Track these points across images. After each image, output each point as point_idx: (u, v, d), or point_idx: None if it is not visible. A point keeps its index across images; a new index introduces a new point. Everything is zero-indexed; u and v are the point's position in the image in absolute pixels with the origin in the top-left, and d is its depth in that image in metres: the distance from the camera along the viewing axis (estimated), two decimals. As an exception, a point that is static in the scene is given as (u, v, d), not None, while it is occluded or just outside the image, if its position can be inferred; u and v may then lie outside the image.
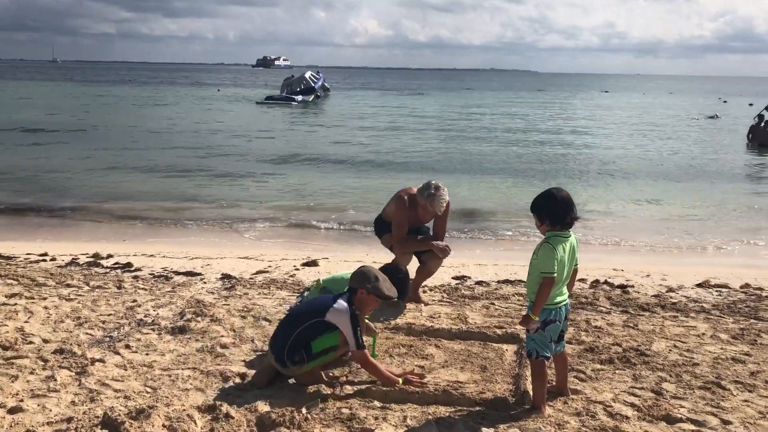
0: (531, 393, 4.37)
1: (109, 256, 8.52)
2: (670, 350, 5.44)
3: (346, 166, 19.62)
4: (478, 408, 4.31)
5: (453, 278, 7.74)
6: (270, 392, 4.48)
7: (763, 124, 25.87)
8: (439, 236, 6.56)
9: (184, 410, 4.07)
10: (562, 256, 4.09)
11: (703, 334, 5.88)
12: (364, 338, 4.95)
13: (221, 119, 35.15)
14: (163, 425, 3.86)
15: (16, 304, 6.17)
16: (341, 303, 4.53)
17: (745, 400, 4.53)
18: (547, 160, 21.77)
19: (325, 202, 14.14)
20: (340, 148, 24.03)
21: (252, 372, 4.76)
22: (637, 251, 10.98)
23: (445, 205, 6.27)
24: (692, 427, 4.14)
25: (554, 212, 4.14)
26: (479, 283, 7.58)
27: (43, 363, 4.82)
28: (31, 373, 4.65)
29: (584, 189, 16.51)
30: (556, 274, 4.04)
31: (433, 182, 6.25)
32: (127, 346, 5.21)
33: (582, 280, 7.63)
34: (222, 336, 5.48)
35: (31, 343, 5.22)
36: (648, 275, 8.25)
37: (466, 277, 7.85)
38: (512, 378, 4.81)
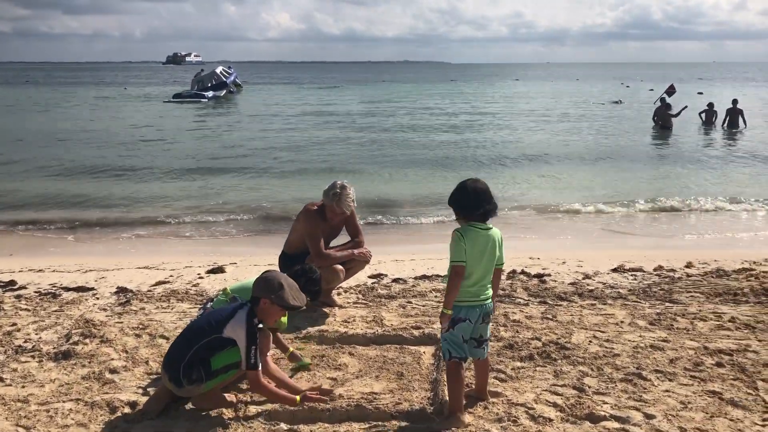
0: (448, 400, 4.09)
1: (-9, 273, 7.73)
2: (590, 341, 5.29)
3: (257, 163, 18.94)
4: (394, 422, 3.99)
5: (369, 277, 7.41)
6: (163, 422, 4.01)
7: (664, 108, 26.82)
8: (357, 238, 6.24)
9: (59, 454, 3.55)
10: (476, 248, 3.88)
11: (622, 321, 5.78)
12: (271, 353, 4.56)
13: (124, 120, 33.55)
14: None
15: None
16: (240, 315, 4.10)
17: (666, 390, 4.41)
18: (461, 149, 21.80)
19: (232, 203, 13.49)
20: (252, 144, 23.28)
21: (145, 399, 4.28)
22: (552, 237, 10.99)
23: (353, 203, 5.93)
24: (616, 425, 3.96)
25: (465, 204, 3.93)
26: (396, 280, 7.28)
27: None
28: None
29: (497, 176, 16.55)
30: (465, 263, 3.85)
31: (338, 182, 5.93)
32: (1, 379, 4.60)
33: (499, 272, 7.45)
34: (112, 359, 4.95)
35: None
36: (564, 262, 8.18)
37: (382, 275, 7.54)
38: (430, 384, 4.52)
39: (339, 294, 6.61)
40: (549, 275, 7.46)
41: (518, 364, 4.88)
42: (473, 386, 4.31)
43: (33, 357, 5.00)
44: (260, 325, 4.15)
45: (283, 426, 3.94)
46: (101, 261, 8.56)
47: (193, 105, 44.02)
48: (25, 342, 5.31)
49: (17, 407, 4.20)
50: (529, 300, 6.47)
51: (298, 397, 4.10)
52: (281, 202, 13.42)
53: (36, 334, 5.50)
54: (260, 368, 4.06)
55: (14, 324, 5.75)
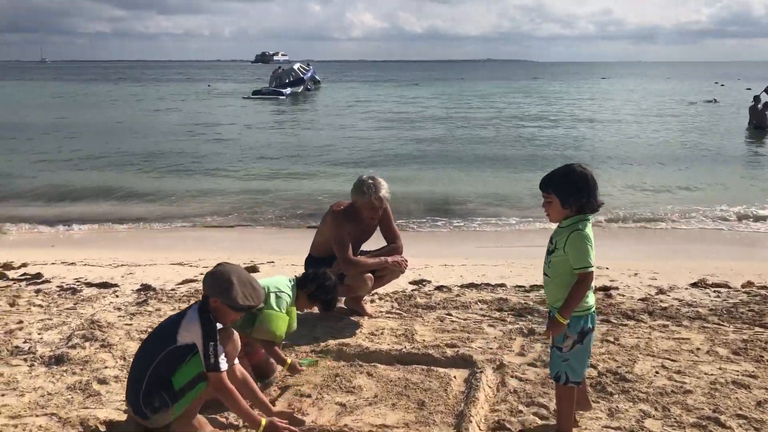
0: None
1: (23, 265, 7.48)
2: (657, 373, 4.42)
3: (323, 160, 18.50)
4: (401, 466, 3.29)
5: (410, 283, 6.71)
6: (134, 449, 3.46)
7: (760, 106, 24.79)
8: (394, 243, 5.56)
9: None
10: (594, 247, 3.28)
11: (698, 348, 4.85)
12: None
13: (200, 115, 34.02)
14: None
15: None
16: (191, 314, 3.47)
17: (750, 444, 3.51)
18: (539, 149, 20.67)
19: (289, 199, 13.04)
20: (320, 141, 22.92)
21: (125, 418, 3.74)
22: (626, 244, 9.94)
23: (386, 193, 5.26)
24: (681, 488, 3.12)
25: (586, 193, 3.24)
26: (440, 288, 6.54)
27: None
28: None
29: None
30: (593, 268, 3.24)
31: (364, 176, 5.28)
32: (-19, 386, 4.18)
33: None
34: (106, 367, 4.47)
35: None
36: (636, 273, 7.23)
37: (425, 281, 6.81)
38: (455, 418, 3.78)
39: (373, 301, 5.95)
40: (616, 288, 6.54)
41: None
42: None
43: (26, 360, 4.59)
44: (219, 325, 3.52)
45: (267, 463, 3.31)
46: (138, 255, 8.22)
47: (270, 102, 44.38)
48: (24, 343, 4.92)
49: (-14, 420, 3.74)
50: (589, 317, 5.59)
51: (263, 421, 3.46)
52: (337, 197, 12.84)
53: (38, 333, 5.11)
54: (223, 370, 3.42)
55: (20, 321, 5.38)
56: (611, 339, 5.04)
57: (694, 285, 6.68)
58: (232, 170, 16.72)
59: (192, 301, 5.79)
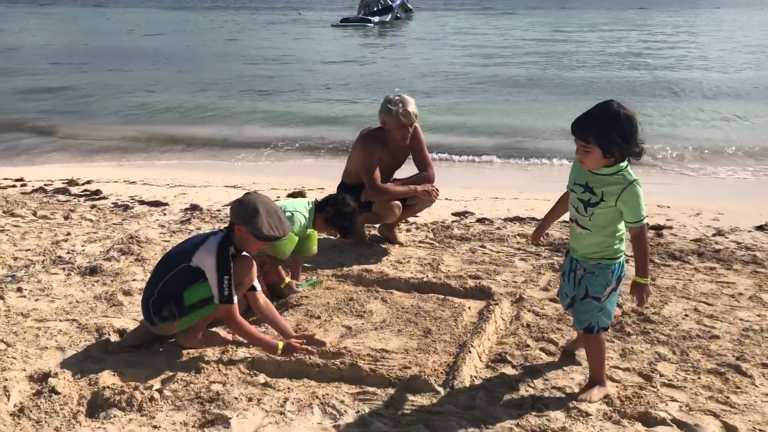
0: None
1: (88, 182, 7.84)
2: (686, 316, 4.17)
3: (406, 90, 18.07)
4: (390, 390, 3.28)
5: (452, 214, 6.58)
6: (138, 357, 3.61)
7: None
8: (425, 171, 5.42)
9: (5, 381, 3.25)
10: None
11: (740, 294, 4.54)
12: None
13: (287, 42, 34.08)
14: (-33, 400, 3.06)
15: (-65, 235, 5.56)
16: (211, 242, 3.53)
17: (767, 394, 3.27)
18: (637, 85, 19.34)
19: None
20: (405, 72, 22.44)
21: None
22: (697, 183, 9.32)
23: (414, 109, 5.10)
24: (675, 433, 2.96)
25: (632, 139, 2.91)
26: (481, 220, 6.39)
27: None
28: None
29: (661, 107, 14.41)
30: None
31: (391, 95, 5.11)
32: (19, 289, 4.45)
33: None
34: (134, 280, 4.65)
35: None
36: (698, 214, 6.78)
37: (468, 213, 6.66)
38: (457, 348, 3.72)
39: (408, 230, 5.89)
40: (671, 228, 6.17)
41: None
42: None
43: (64, 270, 4.83)
44: (244, 253, 3.57)
45: (261, 378, 3.38)
46: (197, 177, 8.44)
47: (357, 30, 43.90)
48: (67, 253, 5.18)
49: (15, 321, 4.00)
50: (631, 257, 5.30)
51: (280, 344, 3.51)
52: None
53: (82, 246, 5.36)
54: (235, 302, 3.49)
55: (68, 234, 5.67)
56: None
57: (760, 228, 6.21)
58: (307, 97, 16.75)
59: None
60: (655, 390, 3.31)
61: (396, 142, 5.17)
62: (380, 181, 5.11)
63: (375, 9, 50.85)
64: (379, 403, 3.17)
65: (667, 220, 6.51)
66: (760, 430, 2.99)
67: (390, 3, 51.91)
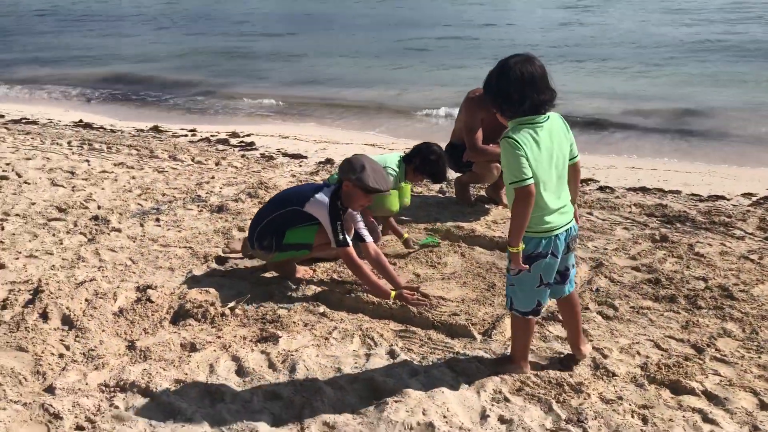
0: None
1: (247, 135, 8.72)
2: (780, 296, 3.89)
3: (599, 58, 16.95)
4: (431, 331, 3.52)
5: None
6: (227, 281, 4.16)
7: None
8: None
9: (117, 287, 3.94)
10: (541, 153, 2.74)
11: None
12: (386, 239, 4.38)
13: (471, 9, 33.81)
14: (86, 300, 3.78)
15: (113, 172, 6.61)
16: (322, 195, 3.92)
17: (832, 383, 3.04)
18: None
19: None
20: (612, 39, 21.35)
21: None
22: None
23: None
24: (698, 404, 2.90)
25: (505, 95, 2.74)
26: (602, 188, 6.24)
27: (71, 227, 5.07)
28: (53, 235, 4.91)
29: None
30: (531, 181, 2.70)
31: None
32: (157, 220, 5.24)
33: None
34: (251, 219, 5.24)
35: (85, 208, 5.52)
36: None
37: (592, 180, 6.52)
38: (513, 303, 3.83)
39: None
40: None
41: (646, 303, 3.84)
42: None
43: (198, 207, 5.56)
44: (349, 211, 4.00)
45: (322, 309, 3.77)
46: (347, 136, 9.01)
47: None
48: (206, 194, 5.93)
49: (146, 245, 4.75)
50: (752, 234, 4.96)
51: (393, 292, 3.81)
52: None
53: (220, 188, 6.09)
54: (350, 245, 3.84)
55: (212, 177, 6.45)
56: (755, 258, 4.47)
57: None
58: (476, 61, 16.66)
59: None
60: (701, 362, 3.21)
61: None
62: (482, 143, 5.22)
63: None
64: (415, 341, 3.42)
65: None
66: (797, 413, 2.81)
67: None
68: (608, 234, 4.96)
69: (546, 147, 2.76)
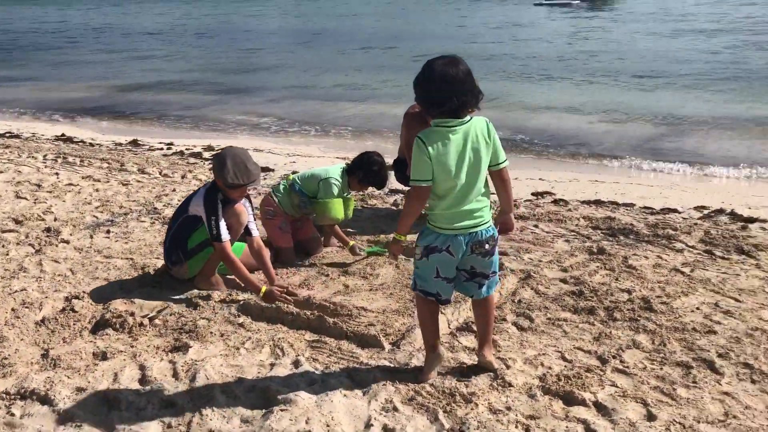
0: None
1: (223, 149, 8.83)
2: (698, 308, 3.91)
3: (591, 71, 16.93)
4: (343, 342, 3.57)
5: (532, 194, 6.52)
6: (157, 291, 4.24)
7: None
8: None
9: (46, 298, 4.04)
10: (448, 156, 2.83)
11: (783, 293, 4.11)
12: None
13: (486, 19, 33.95)
14: (12, 309, 3.88)
15: (78, 185, 6.73)
16: (200, 192, 4.10)
17: (727, 393, 3.06)
18: None
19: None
20: (599, 55, 21.30)
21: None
22: None
23: None
24: (586, 414, 2.92)
25: (428, 93, 2.86)
26: (557, 201, 6.26)
27: (22, 239, 5.17)
28: (2, 246, 5.02)
29: None
30: (429, 183, 2.86)
31: None
32: (108, 231, 5.34)
33: (703, 208, 5.93)
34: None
35: (41, 220, 5.63)
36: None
37: (549, 194, 6.55)
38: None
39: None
40: (764, 221, 5.59)
41: (564, 315, 3.87)
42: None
43: (151, 219, 5.68)
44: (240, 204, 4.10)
45: (242, 319, 3.83)
46: (325, 150, 9.11)
47: (561, 9, 42.44)
48: (163, 206, 6.04)
49: (89, 255, 4.85)
50: (693, 248, 4.97)
51: (264, 288, 3.94)
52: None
53: (178, 201, 6.18)
54: (224, 240, 3.95)
55: (173, 190, 6.57)
56: (687, 270, 4.48)
57: None
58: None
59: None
60: (601, 374, 3.22)
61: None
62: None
63: (582, -13, 48.68)
64: (324, 351, 3.47)
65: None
66: (680, 423, 2.83)
67: (600, -20, 49.30)
68: (548, 246, 4.99)
69: (457, 150, 2.86)
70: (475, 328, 3.56)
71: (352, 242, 4.82)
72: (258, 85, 15.90)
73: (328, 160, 8.13)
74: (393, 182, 5.93)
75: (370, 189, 5.52)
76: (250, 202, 4.31)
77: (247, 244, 4.26)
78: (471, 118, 2.91)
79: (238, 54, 22.52)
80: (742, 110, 11.07)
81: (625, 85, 14.01)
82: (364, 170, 4.83)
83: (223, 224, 3.98)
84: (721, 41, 20.72)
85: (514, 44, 23.22)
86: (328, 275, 4.50)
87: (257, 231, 4.28)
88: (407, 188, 5.76)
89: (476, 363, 3.30)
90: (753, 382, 3.15)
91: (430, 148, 2.82)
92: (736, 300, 4.02)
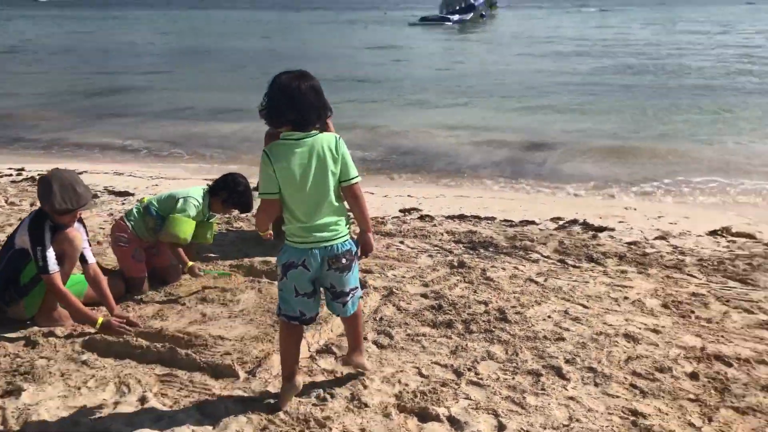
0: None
1: (80, 173, 8.35)
2: (549, 317, 4.06)
3: (462, 92, 17.53)
4: (196, 374, 3.40)
5: (399, 211, 6.60)
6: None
7: None
8: None
9: None
10: (292, 169, 2.84)
11: (627, 298, 4.37)
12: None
13: (352, 41, 34.50)
14: None
15: None
16: (25, 222, 3.82)
17: (572, 398, 3.17)
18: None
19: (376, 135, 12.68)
20: (463, 75, 22.20)
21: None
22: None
23: None
24: (441, 430, 2.93)
25: (272, 105, 2.86)
26: (422, 217, 6.38)
27: None
28: None
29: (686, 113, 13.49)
30: (276, 196, 2.89)
31: None
32: None
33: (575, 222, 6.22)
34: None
35: None
36: (659, 217, 6.50)
37: (416, 209, 6.67)
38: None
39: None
40: (613, 230, 5.95)
41: (423, 329, 3.90)
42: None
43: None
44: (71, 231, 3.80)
45: (86, 356, 3.57)
46: (188, 172, 8.81)
47: (435, 29, 43.87)
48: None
49: None
50: (548, 257, 5.19)
51: (100, 319, 3.72)
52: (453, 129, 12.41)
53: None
54: (52, 272, 3.70)
55: (20, 219, 6.09)
56: (540, 280, 4.66)
57: (713, 233, 5.88)
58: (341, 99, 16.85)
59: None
60: (456, 387, 3.26)
61: None
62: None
63: (457, 8, 50.69)
64: (175, 385, 3.29)
65: (620, 221, 6.28)
66: (527, 431, 2.90)
67: (472, 2, 51.51)
68: (411, 262, 5.05)
69: (302, 163, 2.86)
70: (335, 350, 3.60)
71: (190, 263, 4.57)
72: (125, 107, 15.33)
73: (193, 183, 7.88)
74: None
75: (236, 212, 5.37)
76: (84, 226, 4.04)
77: (84, 272, 4.00)
78: (319, 133, 2.91)
79: (106, 74, 21.57)
80: (596, 131, 11.82)
81: (494, 105, 14.65)
82: (228, 191, 4.67)
83: (51, 254, 3.71)
84: (585, 64, 22.17)
85: (389, 64, 23.74)
86: (184, 304, 4.31)
87: (93, 258, 4.02)
88: None
89: (335, 384, 3.27)
90: (596, 385, 3.29)
91: (274, 161, 2.85)
92: (584, 306, 4.21)
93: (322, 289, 3.09)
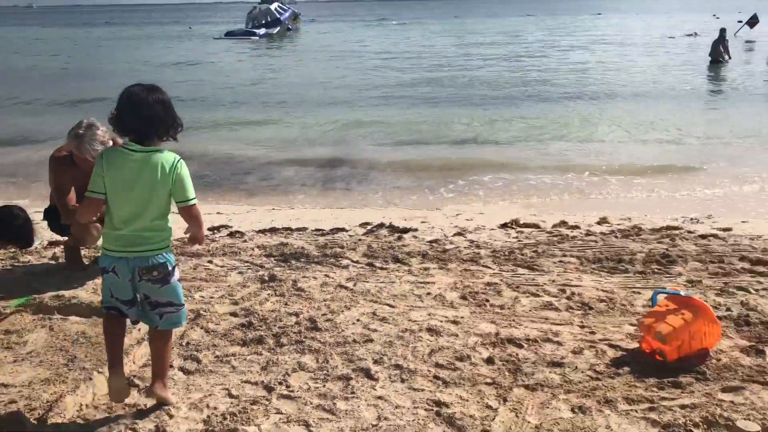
0: None
1: None
2: (359, 320, 4.17)
3: (266, 107, 17.44)
4: (-24, 428, 3.06)
5: (209, 229, 6.42)
6: None
7: (719, 40, 23.87)
8: None
9: None
10: (119, 178, 2.95)
11: (429, 293, 4.59)
12: None
13: (159, 57, 33.25)
14: None
15: None
16: None
17: (381, 398, 3.27)
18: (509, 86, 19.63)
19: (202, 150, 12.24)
20: (276, 87, 22.13)
21: None
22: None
23: (99, 146, 4.78)
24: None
25: (117, 112, 2.95)
26: (232, 234, 6.29)
27: None
28: None
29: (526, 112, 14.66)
30: (96, 195, 2.99)
31: (85, 120, 4.79)
32: None
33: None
34: None
35: None
36: (457, 215, 6.92)
37: (225, 227, 6.56)
38: (102, 370, 3.53)
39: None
40: (416, 230, 6.23)
41: (233, 349, 3.82)
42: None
43: None
44: None
45: None
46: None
47: (242, 43, 43.33)
48: None
49: None
50: (357, 262, 5.31)
51: None
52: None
53: None
54: None
55: None
56: (350, 285, 4.76)
57: (503, 226, 6.37)
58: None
59: None
60: (267, 403, 3.23)
61: (81, 166, 4.82)
62: (76, 202, 4.85)
63: (263, 22, 50.45)
64: (-50, 444, 2.94)
65: (422, 221, 6.60)
66: (306, 437, 2.94)
67: (278, 16, 51.53)
68: (221, 281, 4.93)
69: (131, 174, 2.95)
70: (137, 382, 3.44)
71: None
72: None
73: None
74: (51, 234, 5.39)
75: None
76: None
77: None
78: (161, 150, 3.00)
79: None
80: (401, 142, 12.39)
81: (303, 119, 14.81)
82: (6, 225, 4.25)
83: None
84: (390, 77, 23.12)
85: (195, 81, 23.12)
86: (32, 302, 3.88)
87: None
88: (65, 238, 5.26)
89: (137, 417, 3.12)
90: (402, 381, 3.43)
91: (105, 164, 2.97)
92: (391, 306, 4.37)
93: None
